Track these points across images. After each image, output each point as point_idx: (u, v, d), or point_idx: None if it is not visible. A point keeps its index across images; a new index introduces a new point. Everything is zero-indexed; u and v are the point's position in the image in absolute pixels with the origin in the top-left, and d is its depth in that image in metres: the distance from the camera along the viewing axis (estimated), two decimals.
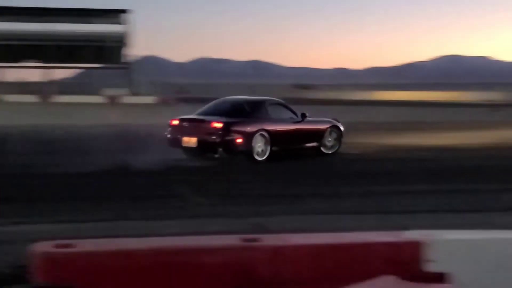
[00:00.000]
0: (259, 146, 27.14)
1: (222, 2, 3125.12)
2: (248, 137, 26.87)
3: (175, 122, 28.05)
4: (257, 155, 27.02)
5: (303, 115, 29.14)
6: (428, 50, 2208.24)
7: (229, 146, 26.71)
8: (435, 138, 39.16)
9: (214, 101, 30.12)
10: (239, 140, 26.67)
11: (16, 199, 17.22)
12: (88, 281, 6.33)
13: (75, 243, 6.41)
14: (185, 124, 27.88)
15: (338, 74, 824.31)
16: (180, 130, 27.63)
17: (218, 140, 26.47)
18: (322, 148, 29.46)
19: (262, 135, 27.51)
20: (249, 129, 27.22)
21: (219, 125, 26.62)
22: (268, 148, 27.44)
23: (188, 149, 27.68)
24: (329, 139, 29.87)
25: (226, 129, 26.73)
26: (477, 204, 17.43)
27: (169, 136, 27.92)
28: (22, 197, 17.85)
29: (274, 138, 27.71)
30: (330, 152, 29.59)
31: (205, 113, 28.66)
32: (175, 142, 27.58)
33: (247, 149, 26.86)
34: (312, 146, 29.48)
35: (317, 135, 29.73)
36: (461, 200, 18.07)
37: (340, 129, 30.36)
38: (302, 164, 27.63)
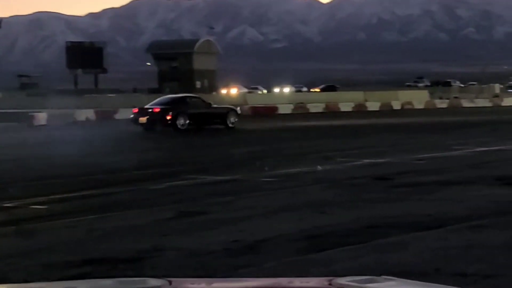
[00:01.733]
0: (181, 122, 45.99)
1: None
2: (173, 116, 46.07)
3: (135, 109, 47.99)
4: (181, 126, 45.92)
5: (209, 104, 50.25)
6: None
7: (163, 121, 46.41)
8: None
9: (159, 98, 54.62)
10: (168, 118, 46.31)
11: None
12: None
13: None
14: (140, 110, 47.70)
15: None
16: (138, 114, 47.17)
17: (157, 118, 46.63)
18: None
19: (182, 115, 46.72)
20: (173, 111, 46.53)
21: (157, 110, 47.28)
22: (187, 123, 46.35)
23: (142, 125, 46.44)
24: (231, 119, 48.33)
25: (162, 112, 46.80)
26: None
27: (132, 117, 47.82)
28: None
29: (190, 117, 46.82)
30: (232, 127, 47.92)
31: (152, 104, 49.73)
32: (135, 121, 46.87)
33: (173, 124, 45.95)
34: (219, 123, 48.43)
35: (222, 116, 48.85)
36: None
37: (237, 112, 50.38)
38: None
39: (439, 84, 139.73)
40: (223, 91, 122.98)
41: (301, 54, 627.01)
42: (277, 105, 78.34)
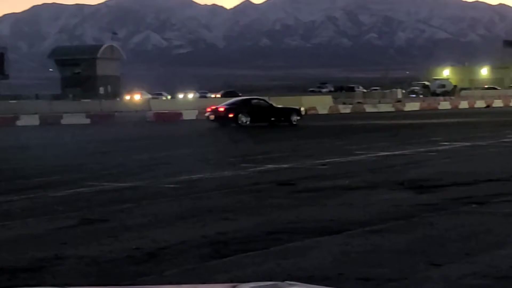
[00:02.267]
0: (242, 119, 54.04)
1: None
2: (235, 114, 54.52)
3: (208, 108, 58.28)
4: (242, 123, 53.86)
5: (271, 105, 58.77)
6: None
7: (227, 118, 54.47)
8: None
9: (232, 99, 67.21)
10: (230, 115, 54.77)
11: None
12: None
13: None
14: (212, 109, 57.20)
15: None
16: (210, 112, 56.64)
17: (223, 115, 55.11)
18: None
19: (243, 114, 54.88)
20: (235, 110, 55.25)
21: (223, 109, 56.26)
22: (249, 120, 54.47)
23: (213, 121, 55.68)
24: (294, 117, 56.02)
25: (226, 110, 55.55)
26: None
27: (206, 115, 57.50)
28: None
29: (252, 115, 54.98)
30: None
31: (222, 104, 59.46)
32: (208, 118, 56.42)
33: (235, 120, 54.05)
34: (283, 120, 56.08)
35: (286, 114, 56.75)
36: None
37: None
38: None
39: (342, 90, 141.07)
40: (127, 97, 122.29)
41: (205, 59, 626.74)
42: (182, 111, 78.10)
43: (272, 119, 56.23)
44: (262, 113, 56.38)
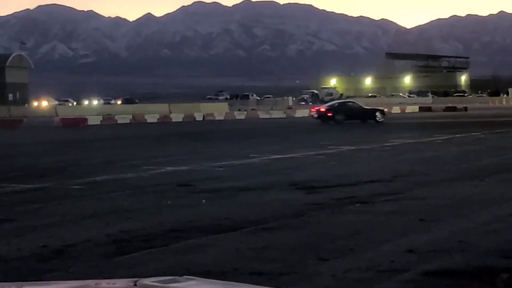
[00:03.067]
0: (338, 117, 61.46)
1: None
2: (333, 113, 62.73)
3: (313, 108, 69.45)
4: (339, 120, 60.96)
5: (361, 106, 67.55)
6: None
7: (327, 117, 62.53)
8: None
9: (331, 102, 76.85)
10: (329, 114, 62.91)
11: None
12: None
13: None
14: (316, 109, 66.62)
15: None
16: (315, 112, 66.04)
17: (324, 114, 63.56)
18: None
19: (340, 113, 62.59)
20: (333, 111, 63.61)
21: (324, 109, 65.81)
22: (343, 118, 61.53)
23: (317, 118, 64.04)
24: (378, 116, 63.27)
25: (326, 110, 64.36)
26: None
27: (312, 114, 67.55)
28: None
29: (346, 114, 62.69)
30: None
31: (324, 105, 70.77)
32: (313, 115, 66.12)
33: (334, 118, 61.84)
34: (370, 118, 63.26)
35: (372, 114, 64.18)
36: None
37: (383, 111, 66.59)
38: None
39: (238, 97, 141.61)
40: (35, 103, 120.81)
41: (109, 68, 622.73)
42: (87, 117, 77.51)
43: (361, 117, 64.10)
44: (353, 113, 64.78)
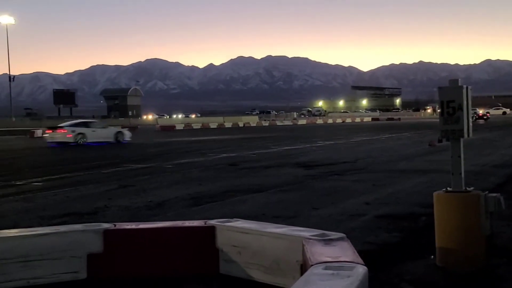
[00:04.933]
0: None
1: None
2: None
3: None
4: None
5: None
6: None
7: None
8: None
9: None
10: None
11: None
12: None
13: None
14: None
15: None
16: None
17: None
18: None
19: None
20: None
21: None
22: None
23: None
24: None
25: None
26: None
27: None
28: None
29: None
30: None
31: None
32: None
33: None
34: None
35: None
36: None
37: None
38: None
39: (264, 112, 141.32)
40: (144, 117, 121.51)
41: (187, 96, 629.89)
42: (175, 124, 78.16)
43: None
44: None
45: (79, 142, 34.65)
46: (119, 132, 38.29)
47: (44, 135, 42.37)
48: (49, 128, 38.93)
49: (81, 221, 9.30)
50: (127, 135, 38.40)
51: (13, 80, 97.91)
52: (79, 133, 35.18)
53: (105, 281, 6.09)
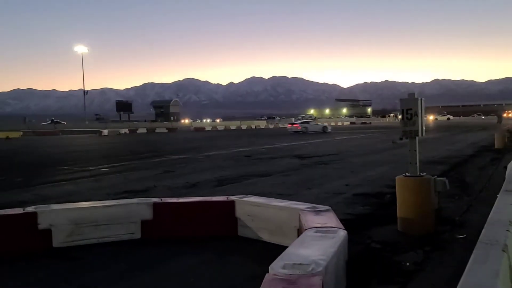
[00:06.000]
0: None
1: None
2: None
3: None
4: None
5: None
6: None
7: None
8: None
9: None
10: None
11: None
12: None
13: None
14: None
15: None
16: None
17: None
18: None
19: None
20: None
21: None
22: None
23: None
24: None
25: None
26: None
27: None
28: None
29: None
30: None
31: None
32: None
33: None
34: None
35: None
36: None
37: None
38: None
39: (270, 118, 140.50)
40: (182, 121, 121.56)
41: (214, 106, 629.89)
42: (205, 126, 77.83)
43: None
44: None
45: (304, 131, 44.13)
46: (325, 126, 47.28)
47: (287, 126, 53.04)
48: (290, 123, 53.24)
49: (136, 196, 9.31)
50: (329, 128, 47.48)
51: (87, 94, 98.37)
52: (304, 126, 45.14)
53: (154, 240, 6.14)
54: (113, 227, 6.08)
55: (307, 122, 48.15)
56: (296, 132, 44.43)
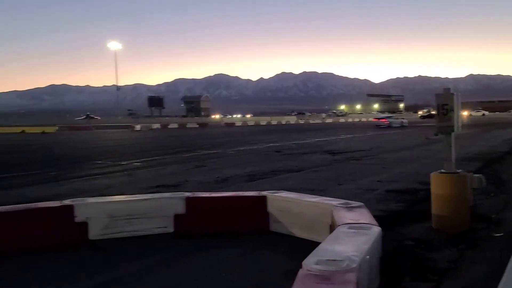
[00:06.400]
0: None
1: None
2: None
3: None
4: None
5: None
6: None
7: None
8: None
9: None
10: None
11: None
12: None
13: None
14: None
15: None
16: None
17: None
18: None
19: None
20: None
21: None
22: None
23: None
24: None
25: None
26: None
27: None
28: None
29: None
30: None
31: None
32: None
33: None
34: None
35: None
36: None
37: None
38: None
39: (300, 114, 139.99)
40: (212, 116, 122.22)
41: (244, 101, 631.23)
42: (235, 122, 78.00)
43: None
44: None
45: (390, 125, 46.28)
46: (402, 121, 49.62)
47: (373, 120, 64.39)
48: (375, 118, 61.11)
49: (168, 191, 9.41)
50: (406, 121, 50.26)
51: (119, 90, 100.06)
52: (390, 121, 47.89)
53: (187, 234, 6.19)
54: (146, 221, 6.16)
55: (390, 117, 51.72)
56: (379, 126, 46.73)
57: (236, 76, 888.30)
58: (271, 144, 24.46)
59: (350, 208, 5.18)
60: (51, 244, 5.64)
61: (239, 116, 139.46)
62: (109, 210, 6.01)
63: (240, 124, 73.32)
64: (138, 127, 58.27)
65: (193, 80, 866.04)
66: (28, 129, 52.66)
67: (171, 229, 6.25)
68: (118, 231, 6.03)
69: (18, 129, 52.72)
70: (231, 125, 71.26)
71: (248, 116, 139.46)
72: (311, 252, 3.53)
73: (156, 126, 63.48)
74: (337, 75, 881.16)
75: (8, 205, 6.03)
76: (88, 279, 4.84)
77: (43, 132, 49.29)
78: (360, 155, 17.37)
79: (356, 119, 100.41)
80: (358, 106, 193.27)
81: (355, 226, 4.30)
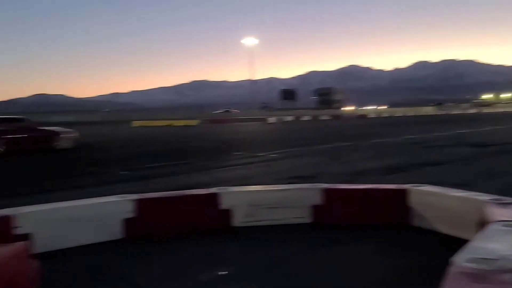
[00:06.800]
0: None
1: None
2: None
3: None
4: None
5: None
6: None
7: None
8: None
9: None
10: None
11: None
12: None
13: None
14: None
15: None
16: None
17: None
18: None
19: None
20: None
21: None
22: None
23: None
24: None
25: None
26: None
27: None
28: None
29: None
30: None
31: None
32: None
33: None
34: None
35: None
36: None
37: None
38: None
39: (439, 104, 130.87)
40: (346, 108, 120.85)
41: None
42: (367, 114, 76.27)
43: None
44: None
45: None
46: None
47: None
48: None
49: (303, 182, 9.51)
50: None
51: (255, 84, 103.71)
52: None
53: (323, 225, 6.22)
54: (285, 211, 6.32)
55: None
56: None
57: (368, 67, 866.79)
58: (408, 136, 23.46)
59: (504, 205, 4.79)
60: (199, 229, 6.05)
61: (373, 107, 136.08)
62: (251, 199, 6.28)
63: (374, 116, 71.41)
64: (272, 119, 59.80)
65: (325, 72, 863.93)
66: (174, 123, 57.01)
67: (308, 219, 6.33)
68: (257, 219, 6.27)
69: (165, 123, 57.25)
70: (364, 117, 69.74)
71: (383, 107, 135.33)
72: (459, 249, 3.33)
73: (289, 118, 64.52)
74: (479, 63, 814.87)
75: (163, 191, 6.59)
76: (228, 264, 5.09)
77: (186, 125, 52.91)
78: (510, 148, 15.88)
79: (504, 109, 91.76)
80: (507, 95, 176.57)
81: (510, 224, 3.96)
